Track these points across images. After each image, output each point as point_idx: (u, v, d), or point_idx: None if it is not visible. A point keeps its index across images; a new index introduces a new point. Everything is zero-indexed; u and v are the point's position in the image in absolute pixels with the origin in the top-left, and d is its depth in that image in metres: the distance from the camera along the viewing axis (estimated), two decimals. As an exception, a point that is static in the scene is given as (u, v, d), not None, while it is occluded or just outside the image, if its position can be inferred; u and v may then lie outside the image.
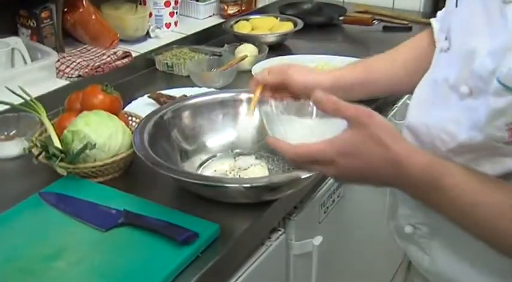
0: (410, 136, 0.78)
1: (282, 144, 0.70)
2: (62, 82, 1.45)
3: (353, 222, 1.46)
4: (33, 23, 1.48)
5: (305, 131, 0.78)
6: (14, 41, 1.40)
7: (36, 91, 1.24)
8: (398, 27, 1.97)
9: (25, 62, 1.43)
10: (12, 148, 1.14)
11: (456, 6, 0.76)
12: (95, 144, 0.97)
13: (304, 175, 0.89)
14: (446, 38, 0.77)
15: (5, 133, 1.19)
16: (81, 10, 1.62)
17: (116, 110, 1.13)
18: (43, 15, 1.48)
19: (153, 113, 1.08)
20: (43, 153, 1.01)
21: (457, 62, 0.72)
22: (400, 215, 0.85)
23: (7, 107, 1.18)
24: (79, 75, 1.46)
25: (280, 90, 0.98)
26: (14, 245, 0.86)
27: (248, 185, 0.91)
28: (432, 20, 0.94)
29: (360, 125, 0.65)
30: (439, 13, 0.92)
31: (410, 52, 1.00)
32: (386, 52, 1.04)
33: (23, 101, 1.12)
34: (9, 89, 1.13)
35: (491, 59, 0.64)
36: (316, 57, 1.63)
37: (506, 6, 0.63)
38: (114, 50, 1.61)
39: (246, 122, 0.97)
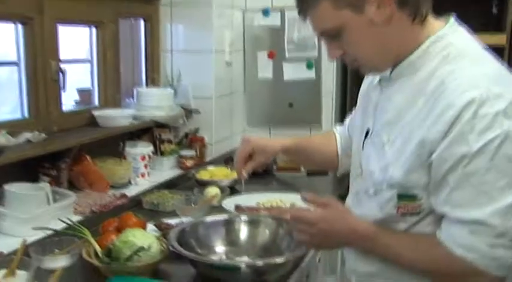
0: None
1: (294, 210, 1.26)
2: (77, 217, 1.86)
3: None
4: (54, 172, 1.92)
5: None
6: (44, 186, 1.82)
7: (61, 225, 1.65)
8: (318, 171, 2.58)
9: (48, 202, 1.83)
10: (61, 262, 1.52)
11: (363, 148, 1.24)
12: (149, 247, 1.41)
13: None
14: (359, 166, 1.25)
15: (55, 251, 1.57)
16: (84, 163, 2.08)
17: (144, 229, 1.58)
18: (62, 166, 1.93)
19: (177, 228, 1.54)
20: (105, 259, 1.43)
21: (365, 179, 1.21)
22: (348, 270, 1.32)
23: (49, 232, 1.59)
24: (92, 211, 1.88)
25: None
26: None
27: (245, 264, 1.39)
28: (336, 134, 1.56)
29: (330, 207, 1.20)
30: (341, 128, 1.56)
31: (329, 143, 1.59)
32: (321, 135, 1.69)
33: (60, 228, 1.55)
34: (61, 220, 1.56)
35: (381, 174, 1.14)
36: (263, 194, 2.18)
37: (385, 145, 1.15)
38: (113, 192, 2.06)
39: None
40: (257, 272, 1.39)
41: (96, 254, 1.50)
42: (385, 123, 1.17)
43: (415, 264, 1.14)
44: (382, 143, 1.16)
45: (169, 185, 2.34)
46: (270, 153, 1.54)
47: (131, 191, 2.19)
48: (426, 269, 1.13)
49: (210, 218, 1.65)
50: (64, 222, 1.57)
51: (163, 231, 1.72)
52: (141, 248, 1.41)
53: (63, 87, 2.06)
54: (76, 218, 1.86)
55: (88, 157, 2.10)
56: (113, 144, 2.33)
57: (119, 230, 1.57)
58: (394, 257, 1.16)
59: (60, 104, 2.11)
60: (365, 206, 1.21)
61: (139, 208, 2.08)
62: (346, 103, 3.05)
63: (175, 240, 1.47)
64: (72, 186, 2.10)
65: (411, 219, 1.14)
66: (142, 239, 1.45)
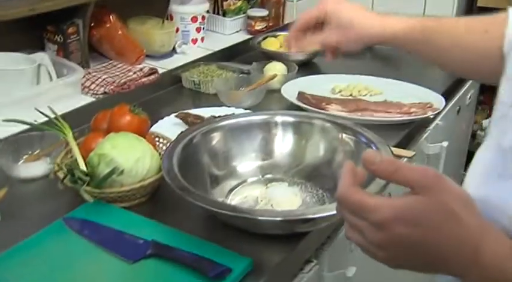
0: None
1: (347, 176, 0.56)
2: (88, 99, 1.42)
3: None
4: (60, 39, 1.46)
5: None
6: (41, 57, 1.37)
7: (61, 108, 1.20)
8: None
9: (51, 79, 1.40)
10: (37, 169, 1.11)
11: None
12: (122, 170, 0.93)
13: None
14: None
15: (29, 152, 1.15)
16: (107, 25, 1.60)
17: (143, 132, 1.09)
18: (70, 30, 1.46)
19: (182, 136, 1.03)
20: (68, 177, 0.97)
21: None
22: None
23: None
24: (105, 92, 1.43)
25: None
26: (38, 273, 0.83)
27: (281, 219, 0.86)
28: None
29: (426, 190, 0.52)
30: None
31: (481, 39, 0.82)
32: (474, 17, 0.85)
33: (48, 119, 1.09)
34: (37, 110, 1.10)
35: None
36: (346, 76, 1.60)
37: None
38: (140, 66, 1.58)
39: None
40: (291, 223, 0.88)
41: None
42: None
43: None
44: None
45: (227, 56, 1.80)
46: (357, 37, 0.90)
47: (174, 63, 1.69)
48: None
49: (236, 119, 1.10)
50: (40, 112, 1.11)
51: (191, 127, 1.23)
52: (116, 169, 0.93)
53: None
54: (87, 100, 1.42)
55: (114, 17, 1.60)
56: (156, 2, 1.81)
57: (109, 130, 1.09)
58: None
59: None
60: (507, 194, 0.61)
61: (178, 89, 1.60)
62: None
63: (177, 157, 0.97)
64: (99, 56, 1.65)
65: None
66: (126, 152, 0.97)
